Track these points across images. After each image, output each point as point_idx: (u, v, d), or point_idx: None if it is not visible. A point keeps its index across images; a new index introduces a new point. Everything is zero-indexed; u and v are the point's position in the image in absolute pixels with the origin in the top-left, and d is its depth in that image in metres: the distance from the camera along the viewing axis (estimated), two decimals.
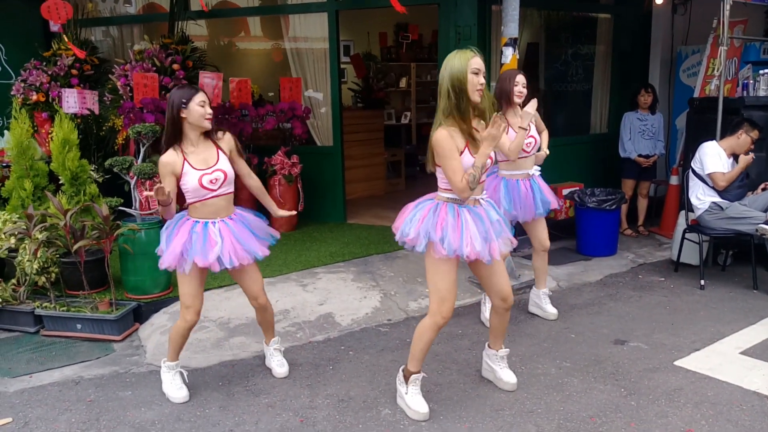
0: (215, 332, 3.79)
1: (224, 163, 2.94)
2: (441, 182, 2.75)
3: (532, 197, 3.78)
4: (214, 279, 4.35)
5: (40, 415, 2.95)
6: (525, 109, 3.36)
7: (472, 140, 2.63)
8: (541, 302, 4.05)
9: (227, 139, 3.00)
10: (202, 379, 3.27)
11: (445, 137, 2.58)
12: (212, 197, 2.91)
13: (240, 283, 3.13)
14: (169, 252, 2.86)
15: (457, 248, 2.63)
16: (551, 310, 4.02)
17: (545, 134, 3.96)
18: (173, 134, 2.86)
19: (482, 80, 2.60)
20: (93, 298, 4.00)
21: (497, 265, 2.83)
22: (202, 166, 2.88)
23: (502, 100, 3.68)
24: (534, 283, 4.12)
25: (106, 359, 3.55)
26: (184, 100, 2.81)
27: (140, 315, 4.04)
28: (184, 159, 2.86)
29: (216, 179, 2.89)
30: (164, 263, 2.89)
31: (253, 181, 3.15)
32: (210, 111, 2.87)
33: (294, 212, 3.39)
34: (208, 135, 2.94)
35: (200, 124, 2.86)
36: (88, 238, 3.85)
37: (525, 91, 3.66)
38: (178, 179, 2.86)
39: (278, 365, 3.29)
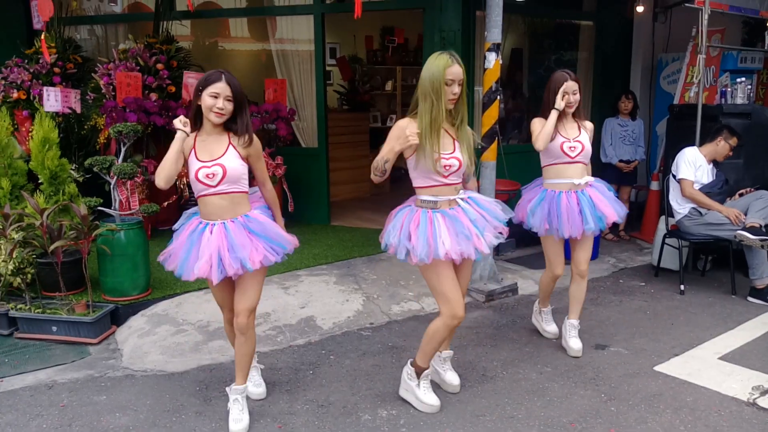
0: (194, 335, 3.74)
1: (228, 159, 2.63)
2: (414, 182, 2.79)
3: (579, 211, 3.35)
4: (194, 280, 4.28)
5: (10, 420, 2.88)
6: (557, 98, 3.32)
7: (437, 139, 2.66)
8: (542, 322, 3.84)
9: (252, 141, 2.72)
10: (179, 383, 3.22)
11: (400, 126, 2.64)
12: (210, 194, 2.64)
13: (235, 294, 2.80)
14: (174, 256, 2.74)
15: (432, 252, 2.65)
16: (551, 329, 3.80)
17: None
18: (194, 117, 2.70)
19: (456, 89, 2.62)
20: (69, 299, 3.93)
21: (465, 264, 2.84)
22: (206, 158, 2.64)
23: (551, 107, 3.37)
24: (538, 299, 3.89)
25: (81, 363, 3.49)
26: (200, 87, 2.64)
27: (118, 317, 3.98)
28: (194, 146, 2.67)
29: (213, 174, 2.61)
30: (169, 267, 2.77)
31: (266, 191, 2.88)
32: (221, 105, 2.59)
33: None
34: (227, 128, 2.69)
35: (206, 116, 2.65)
36: (66, 238, 3.79)
37: (575, 97, 3.35)
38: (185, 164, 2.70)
39: (255, 385, 3.08)
